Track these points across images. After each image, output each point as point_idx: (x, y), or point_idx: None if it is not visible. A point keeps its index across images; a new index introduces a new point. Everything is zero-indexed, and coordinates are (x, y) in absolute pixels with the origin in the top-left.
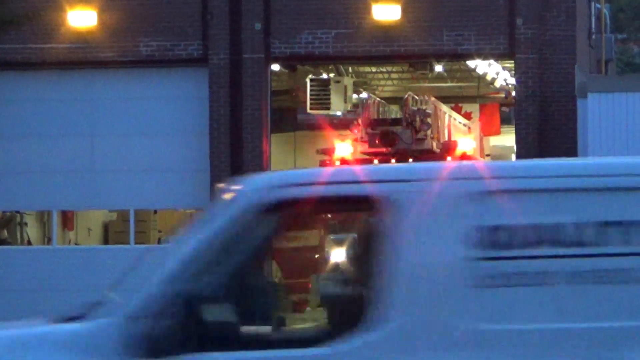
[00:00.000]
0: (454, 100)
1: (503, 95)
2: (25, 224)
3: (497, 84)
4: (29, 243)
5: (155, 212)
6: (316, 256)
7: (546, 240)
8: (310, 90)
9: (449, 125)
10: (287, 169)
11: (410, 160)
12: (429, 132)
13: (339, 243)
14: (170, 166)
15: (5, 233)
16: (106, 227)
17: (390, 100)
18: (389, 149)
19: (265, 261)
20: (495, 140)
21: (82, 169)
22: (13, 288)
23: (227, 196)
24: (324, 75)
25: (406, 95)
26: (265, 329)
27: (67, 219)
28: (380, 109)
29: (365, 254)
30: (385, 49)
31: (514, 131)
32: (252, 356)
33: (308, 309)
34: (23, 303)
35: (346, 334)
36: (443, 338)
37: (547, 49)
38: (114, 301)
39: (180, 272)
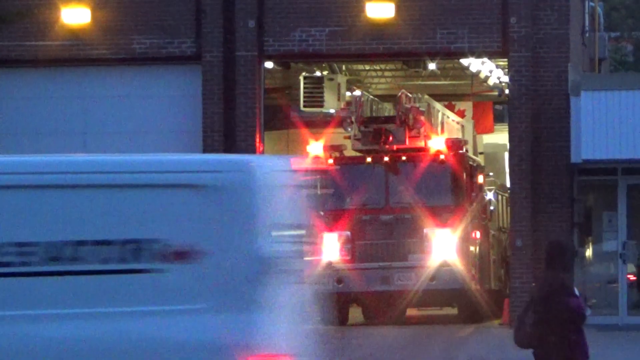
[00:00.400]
0: (447, 98)
1: (496, 93)
2: None
3: (491, 81)
4: None
5: None
6: None
7: None
8: (304, 88)
9: (442, 123)
10: None
11: (403, 158)
12: (422, 129)
13: None
14: None
15: None
16: None
17: (384, 98)
18: (382, 146)
19: None
20: (488, 138)
21: None
22: None
23: None
24: (318, 73)
25: (399, 93)
26: None
27: None
28: (374, 106)
29: None
30: (379, 46)
31: (507, 129)
32: None
33: None
34: None
35: None
36: None
37: (541, 47)
38: None
39: None
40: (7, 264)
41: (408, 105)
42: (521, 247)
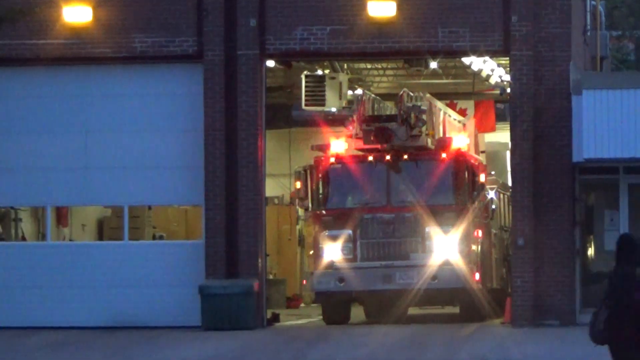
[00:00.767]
0: (449, 97)
1: (498, 92)
2: (20, 220)
3: (492, 80)
4: (24, 239)
5: (150, 208)
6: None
7: None
8: (305, 87)
9: (443, 122)
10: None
11: (405, 157)
12: (423, 128)
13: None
14: (165, 162)
15: (0, 229)
16: (100, 223)
17: (385, 96)
18: (384, 145)
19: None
20: (490, 137)
21: (76, 166)
22: (7, 284)
23: None
24: (319, 72)
25: (401, 92)
26: None
27: (62, 215)
28: (375, 105)
29: None
30: (380, 45)
31: (509, 128)
32: None
33: (302, 304)
34: (17, 299)
35: None
36: None
37: (542, 46)
38: None
39: None
40: None
41: (410, 104)
42: (523, 246)
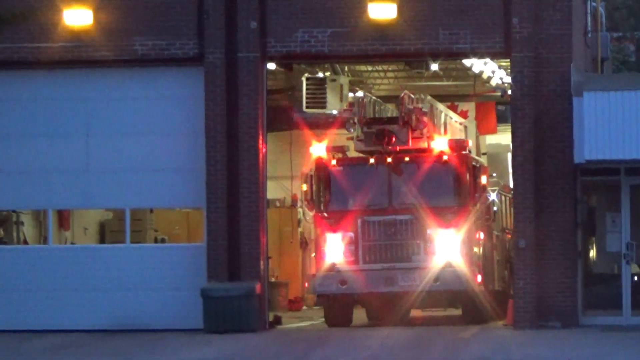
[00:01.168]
0: (450, 99)
1: (499, 93)
2: (22, 223)
3: (493, 82)
4: (25, 242)
5: (152, 211)
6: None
7: None
8: (306, 89)
9: (445, 124)
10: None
11: (407, 159)
12: (425, 130)
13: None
14: (166, 165)
15: (2, 232)
16: (102, 227)
17: (387, 98)
18: (385, 147)
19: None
20: (491, 139)
21: (78, 169)
22: (9, 287)
23: None
24: (320, 74)
25: (402, 94)
26: None
27: (63, 219)
28: (377, 107)
29: None
30: (381, 47)
31: (510, 129)
32: None
33: (304, 307)
34: (19, 302)
35: None
36: None
37: (543, 48)
38: None
39: None
40: None
41: (411, 106)
42: (525, 248)
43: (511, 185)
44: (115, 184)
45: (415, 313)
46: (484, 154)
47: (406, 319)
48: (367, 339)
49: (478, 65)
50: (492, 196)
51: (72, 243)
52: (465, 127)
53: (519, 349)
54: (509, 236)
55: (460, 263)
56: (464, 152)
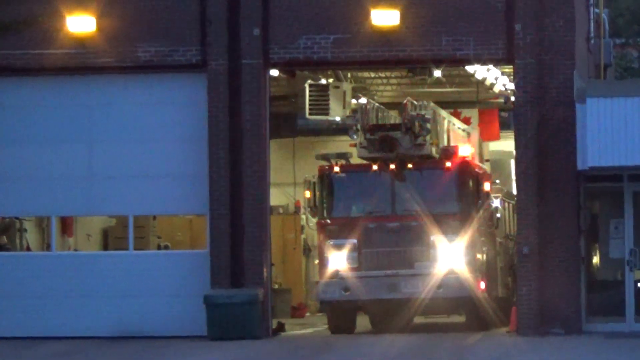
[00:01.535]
0: (453, 106)
1: (502, 100)
2: (25, 230)
3: (496, 89)
4: (29, 249)
5: (154, 217)
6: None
7: None
8: (309, 96)
9: (448, 131)
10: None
11: (410, 165)
12: (428, 137)
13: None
14: (169, 172)
15: (5, 239)
16: (105, 233)
17: (389, 105)
18: (388, 154)
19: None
20: (494, 146)
21: (81, 175)
22: (12, 294)
23: None
24: (323, 81)
25: (405, 101)
26: None
27: (67, 225)
28: (379, 114)
29: None
30: (384, 54)
31: (513, 136)
32: None
33: (308, 314)
34: (23, 309)
35: None
36: None
37: (546, 54)
38: None
39: None
40: None
41: (414, 113)
42: (528, 254)
43: (514, 191)
44: (119, 191)
45: (418, 320)
46: (487, 160)
47: (409, 326)
48: (371, 345)
49: (481, 71)
50: (496, 203)
51: (75, 250)
52: (469, 133)
53: (522, 355)
54: (512, 243)
55: (463, 270)
56: (466, 159)
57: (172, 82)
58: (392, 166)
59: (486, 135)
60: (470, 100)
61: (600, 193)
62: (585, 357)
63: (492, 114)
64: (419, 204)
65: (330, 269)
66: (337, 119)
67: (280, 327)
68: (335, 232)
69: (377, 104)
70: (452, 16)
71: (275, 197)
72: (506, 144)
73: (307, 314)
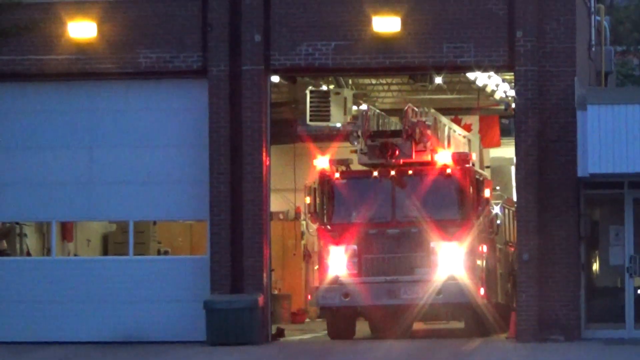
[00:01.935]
0: (454, 112)
1: (503, 107)
2: (25, 235)
3: (497, 95)
4: (29, 254)
5: (155, 223)
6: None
7: None
8: (310, 102)
9: (448, 137)
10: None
11: (410, 172)
12: (428, 143)
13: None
14: (170, 178)
15: (5, 244)
16: (105, 238)
17: (390, 112)
18: (389, 160)
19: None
20: (495, 152)
21: (81, 181)
22: (12, 299)
23: None
24: (324, 87)
25: (406, 107)
26: None
27: (67, 230)
28: (380, 120)
29: None
30: (385, 60)
31: (513, 143)
32: None
33: (307, 319)
34: (22, 314)
35: None
36: None
37: (547, 61)
38: None
39: None
40: None
41: (414, 119)
42: (528, 261)
43: (514, 198)
44: (119, 196)
45: (418, 326)
46: (488, 167)
47: (409, 332)
48: (370, 351)
49: (482, 78)
50: (496, 209)
51: (75, 255)
52: (469, 140)
53: None
54: (512, 249)
55: (463, 276)
56: (467, 166)
57: (173, 88)
58: (393, 172)
59: (487, 142)
60: (471, 107)
61: (601, 200)
62: None
63: (493, 120)
64: (419, 210)
65: (330, 274)
66: (338, 125)
67: (280, 333)
68: (335, 238)
69: (378, 111)
70: (453, 23)
71: (276, 203)
72: (507, 151)
73: (307, 319)
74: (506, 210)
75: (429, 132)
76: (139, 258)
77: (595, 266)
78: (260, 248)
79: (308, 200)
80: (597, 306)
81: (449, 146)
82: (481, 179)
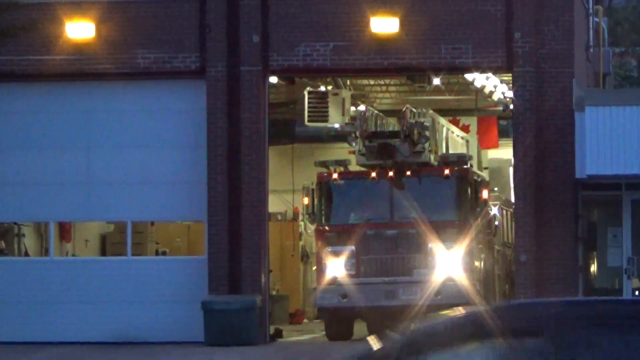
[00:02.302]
0: (452, 113)
1: (501, 108)
2: (23, 235)
3: (495, 97)
4: (27, 254)
5: (152, 224)
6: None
7: None
8: (308, 103)
9: (446, 138)
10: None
11: (408, 173)
12: (426, 145)
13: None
14: (168, 178)
15: (3, 244)
16: (103, 239)
17: (388, 112)
18: (387, 161)
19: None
20: (493, 153)
21: (79, 181)
22: (10, 299)
23: None
24: (322, 88)
25: (404, 108)
26: None
27: (65, 231)
28: (378, 121)
29: None
30: (383, 61)
31: (511, 144)
32: None
33: (305, 320)
34: (20, 314)
35: None
36: None
37: (545, 63)
38: None
39: None
40: None
41: (412, 120)
42: (526, 262)
43: (512, 199)
44: (117, 197)
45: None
46: (486, 168)
47: None
48: None
49: (480, 79)
50: (494, 210)
51: (73, 255)
52: (467, 141)
53: None
54: (510, 250)
55: (461, 277)
56: (465, 167)
57: (171, 89)
58: (391, 173)
59: (485, 143)
60: (469, 108)
61: (599, 201)
62: None
63: (491, 121)
64: (417, 212)
65: (328, 275)
66: (336, 126)
67: (278, 334)
68: (333, 239)
69: (376, 112)
70: (452, 24)
71: (274, 204)
72: (505, 152)
73: (305, 320)
74: (504, 212)
75: (427, 133)
76: (136, 259)
77: (593, 268)
78: (258, 249)
79: (306, 201)
80: None
81: (447, 147)
82: (479, 180)
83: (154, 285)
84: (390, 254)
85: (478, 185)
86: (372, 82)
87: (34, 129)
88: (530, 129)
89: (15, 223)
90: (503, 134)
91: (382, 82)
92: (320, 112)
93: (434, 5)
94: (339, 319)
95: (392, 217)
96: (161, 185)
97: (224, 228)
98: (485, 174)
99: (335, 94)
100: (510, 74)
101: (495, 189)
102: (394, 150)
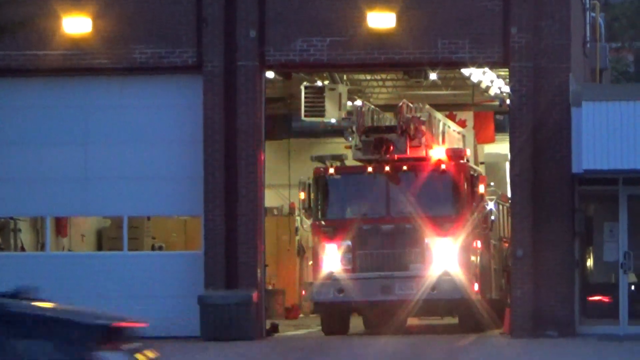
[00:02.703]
0: (449, 108)
1: (497, 103)
2: (19, 230)
3: (492, 92)
4: (23, 249)
5: (149, 219)
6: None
7: None
8: (305, 98)
9: (443, 133)
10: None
11: (404, 168)
12: (423, 139)
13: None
14: (164, 173)
15: None
16: (100, 234)
17: (385, 107)
18: (383, 156)
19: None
20: (489, 148)
21: (75, 176)
22: None
23: None
24: (319, 83)
25: (401, 103)
26: None
27: (61, 226)
28: (375, 116)
29: None
30: (380, 56)
31: (508, 139)
32: None
33: (301, 315)
34: None
35: None
36: None
37: (542, 58)
38: None
39: None
40: None
41: (409, 115)
42: (522, 257)
43: (509, 194)
44: (113, 192)
45: (412, 321)
46: (482, 163)
47: (403, 328)
48: (364, 347)
49: (477, 74)
50: (490, 205)
51: (69, 250)
52: (464, 136)
53: (515, 357)
54: (507, 245)
55: (457, 272)
56: (461, 162)
57: (168, 84)
58: (387, 168)
59: (481, 138)
60: (466, 103)
61: (595, 196)
62: (578, 359)
63: (488, 116)
64: (413, 206)
65: (325, 270)
66: (333, 120)
67: (274, 328)
68: (329, 233)
69: (372, 106)
70: (448, 19)
71: (270, 199)
72: (501, 147)
73: (301, 315)
74: (500, 206)
75: (423, 127)
76: (133, 253)
77: (590, 262)
78: (255, 244)
79: (302, 195)
80: (592, 302)
81: (443, 142)
82: (476, 174)
83: (150, 280)
84: (386, 248)
85: (474, 180)
86: (368, 77)
87: (31, 124)
88: (527, 123)
89: (11, 218)
90: (499, 128)
91: (378, 77)
92: (316, 107)
93: (430, 0)
94: (335, 314)
95: (388, 211)
96: (158, 180)
97: (220, 223)
98: (481, 169)
99: (332, 89)
100: (507, 69)
101: (492, 183)
102: (391, 145)
